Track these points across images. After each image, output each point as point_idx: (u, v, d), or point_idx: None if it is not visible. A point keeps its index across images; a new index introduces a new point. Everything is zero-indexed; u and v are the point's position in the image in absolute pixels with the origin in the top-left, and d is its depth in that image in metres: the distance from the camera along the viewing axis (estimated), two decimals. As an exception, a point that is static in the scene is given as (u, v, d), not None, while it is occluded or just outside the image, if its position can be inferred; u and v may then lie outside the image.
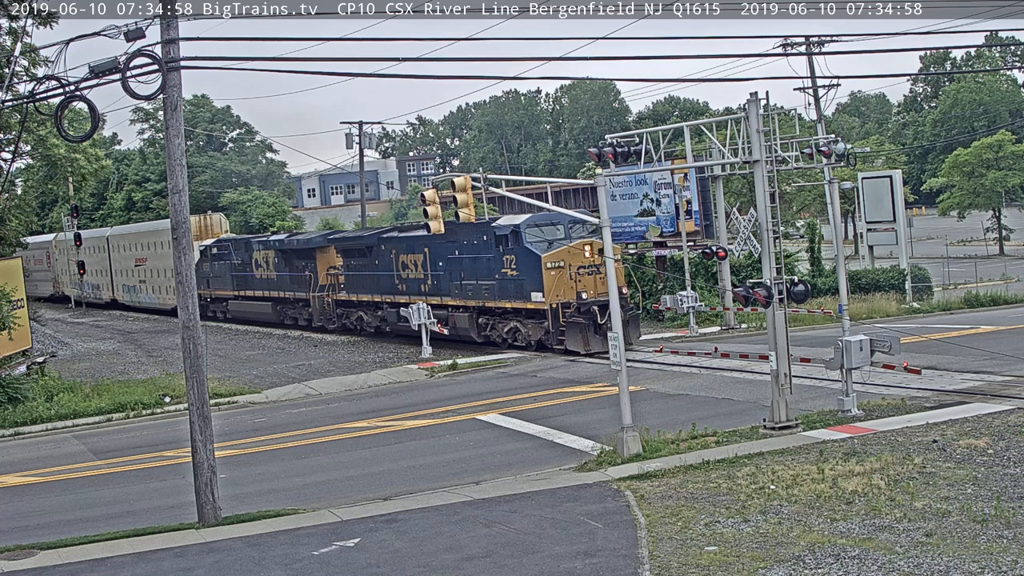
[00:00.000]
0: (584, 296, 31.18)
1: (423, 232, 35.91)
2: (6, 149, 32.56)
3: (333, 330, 42.33)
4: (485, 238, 33.60)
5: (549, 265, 31.19)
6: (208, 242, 53.60)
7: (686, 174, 37.56)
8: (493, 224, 33.69)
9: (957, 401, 21.11)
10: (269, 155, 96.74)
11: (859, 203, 45.14)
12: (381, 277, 38.92)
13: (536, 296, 31.63)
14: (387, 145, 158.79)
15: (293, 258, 44.72)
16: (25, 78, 29.18)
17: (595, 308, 31.08)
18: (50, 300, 72.73)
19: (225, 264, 50.98)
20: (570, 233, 32.15)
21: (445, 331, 35.61)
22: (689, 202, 38.05)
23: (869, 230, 42.95)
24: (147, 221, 73.81)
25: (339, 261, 42.42)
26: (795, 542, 12.90)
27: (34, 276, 73.81)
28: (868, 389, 22.92)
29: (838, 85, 48.13)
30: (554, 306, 31.23)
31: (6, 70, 27.45)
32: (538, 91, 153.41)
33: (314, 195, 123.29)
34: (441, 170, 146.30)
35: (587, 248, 31.55)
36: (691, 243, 36.96)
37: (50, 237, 73.08)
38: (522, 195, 34.20)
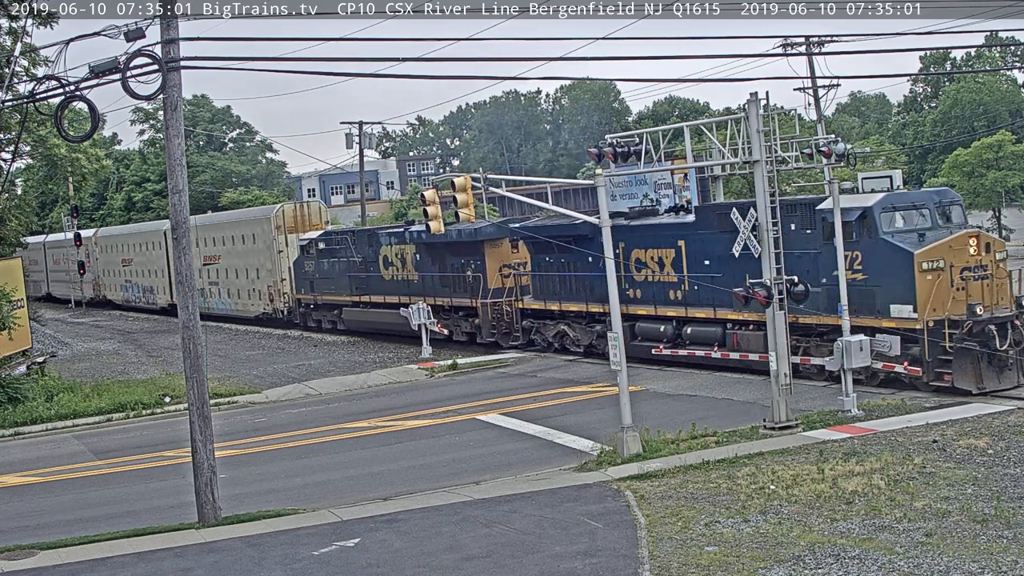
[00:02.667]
0: (978, 311, 21.81)
1: (670, 218, 28.85)
2: (6, 149, 32.57)
3: (515, 346, 33.87)
4: (794, 226, 23.97)
5: (925, 266, 22.27)
6: (312, 235, 44.41)
7: (686, 174, 37.46)
8: (818, 207, 24.12)
9: (957, 401, 21.09)
10: (269, 155, 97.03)
11: (859, 203, 45.08)
12: (597, 280, 28.72)
13: (900, 310, 22.36)
14: (387, 145, 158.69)
15: (447, 254, 35.87)
16: (25, 78, 29.29)
17: (992, 328, 21.77)
18: (90, 304, 65.76)
19: (339, 262, 41.59)
20: (936, 220, 23.42)
21: (445, 331, 35.17)
22: (689, 202, 38.00)
23: (869, 230, 42.90)
24: (226, 211, 63.58)
25: (519, 257, 34.52)
26: (795, 542, 12.90)
27: (72, 276, 66.67)
28: (868, 389, 22.91)
29: (838, 85, 48.11)
30: (931, 324, 21.83)
31: (6, 70, 27.48)
32: (538, 91, 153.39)
33: (314, 195, 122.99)
34: (441, 170, 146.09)
35: (972, 242, 22.84)
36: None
37: (90, 232, 66.95)
38: (522, 195, 33.99)
